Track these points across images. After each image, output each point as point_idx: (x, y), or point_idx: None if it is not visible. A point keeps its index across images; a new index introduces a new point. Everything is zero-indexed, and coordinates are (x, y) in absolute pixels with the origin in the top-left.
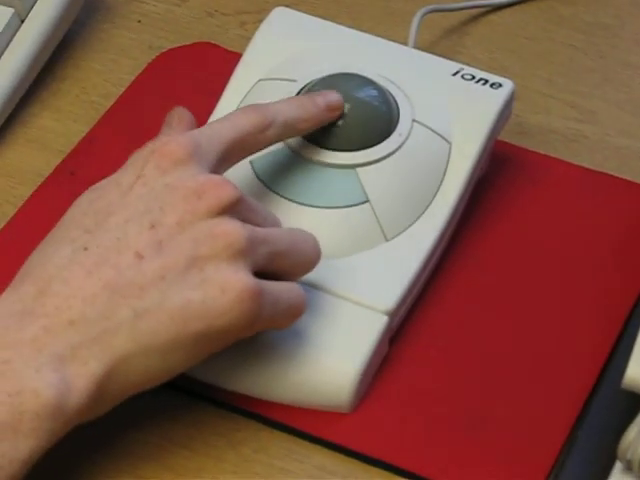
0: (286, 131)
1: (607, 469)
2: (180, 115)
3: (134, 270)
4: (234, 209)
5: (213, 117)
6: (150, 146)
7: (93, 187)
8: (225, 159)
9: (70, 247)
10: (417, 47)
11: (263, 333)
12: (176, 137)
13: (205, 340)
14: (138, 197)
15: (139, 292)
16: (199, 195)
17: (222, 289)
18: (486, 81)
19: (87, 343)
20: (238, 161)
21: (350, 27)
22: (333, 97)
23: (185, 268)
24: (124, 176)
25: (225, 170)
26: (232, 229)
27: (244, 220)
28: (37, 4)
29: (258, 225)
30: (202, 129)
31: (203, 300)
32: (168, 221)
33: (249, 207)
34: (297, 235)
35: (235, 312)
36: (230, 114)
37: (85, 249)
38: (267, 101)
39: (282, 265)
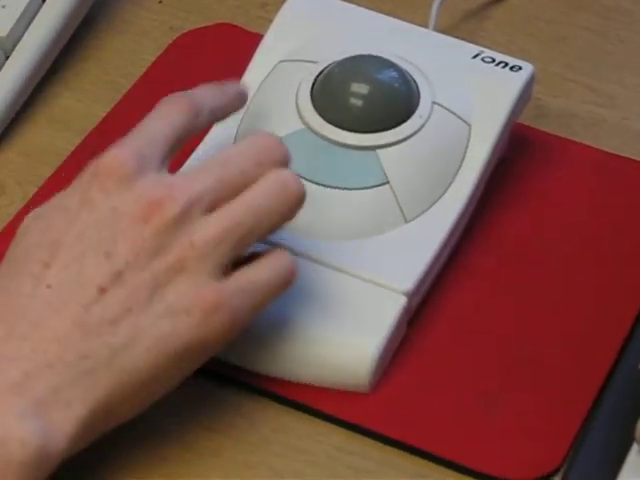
0: (211, 119)
1: (624, 452)
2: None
3: (100, 305)
4: (185, 216)
5: None
6: (93, 165)
7: (38, 212)
8: (167, 157)
9: (31, 283)
10: (437, 30)
11: (283, 314)
12: (118, 153)
13: (186, 359)
14: (88, 225)
15: (110, 328)
16: (145, 219)
17: (187, 311)
18: (506, 64)
19: (68, 386)
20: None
21: (371, 9)
22: (239, 87)
23: (148, 297)
24: (70, 201)
25: (168, 162)
26: (182, 249)
27: (208, 210)
28: None
29: (221, 203)
30: (140, 134)
31: (173, 327)
32: (121, 250)
33: (203, 200)
34: (264, 193)
35: (206, 327)
36: (160, 109)
37: (48, 287)
38: (288, 83)
39: (257, 236)
